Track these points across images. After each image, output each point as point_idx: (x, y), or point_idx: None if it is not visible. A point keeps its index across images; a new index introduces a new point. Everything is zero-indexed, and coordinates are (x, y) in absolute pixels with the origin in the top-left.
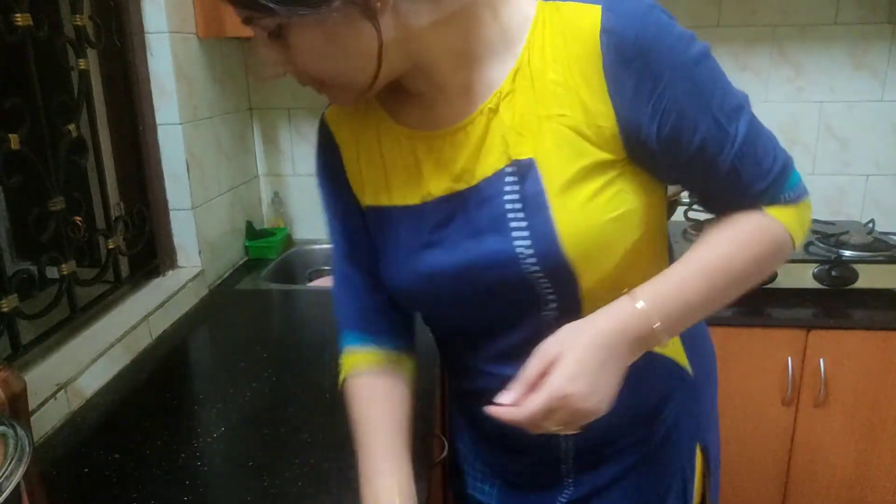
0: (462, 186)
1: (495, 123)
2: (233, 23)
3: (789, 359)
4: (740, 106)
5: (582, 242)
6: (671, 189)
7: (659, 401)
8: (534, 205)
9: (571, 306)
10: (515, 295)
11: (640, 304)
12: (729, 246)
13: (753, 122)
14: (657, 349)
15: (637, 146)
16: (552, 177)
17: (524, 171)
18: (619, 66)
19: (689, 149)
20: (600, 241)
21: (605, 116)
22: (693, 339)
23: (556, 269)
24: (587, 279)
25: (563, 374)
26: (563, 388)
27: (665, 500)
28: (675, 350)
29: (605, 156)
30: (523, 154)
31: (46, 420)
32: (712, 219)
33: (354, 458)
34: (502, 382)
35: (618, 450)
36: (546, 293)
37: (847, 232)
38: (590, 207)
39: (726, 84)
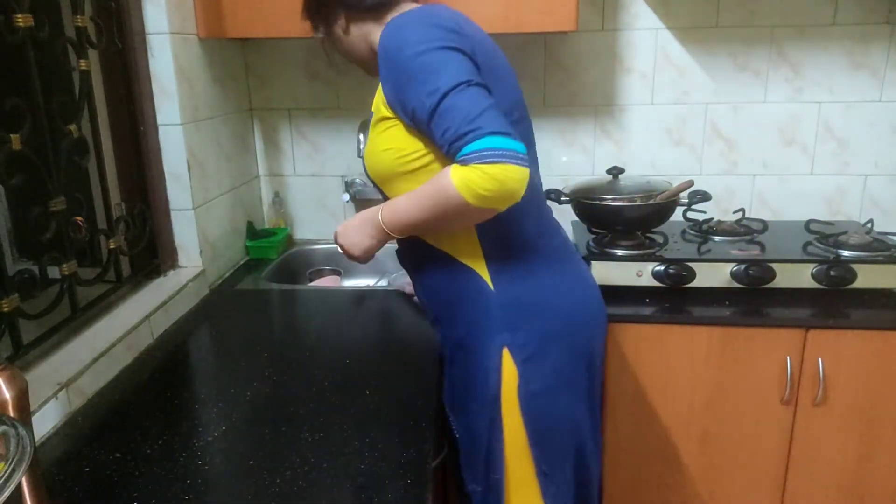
0: None
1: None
2: (233, 23)
3: (788, 358)
4: (437, 89)
5: (370, 163)
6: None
7: (458, 298)
8: (366, 139)
9: None
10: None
11: (380, 214)
12: (426, 185)
13: (446, 101)
14: (462, 259)
15: (397, 111)
16: (372, 123)
17: (368, 119)
18: (382, 65)
19: (409, 114)
20: (380, 165)
21: (381, 93)
22: (502, 266)
23: (371, 180)
24: (391, 191)
25: (340, 225)
26: (336, 231)
27: (473, 386)
28: (476, 264)
29: (386, 114)
30: (373, 108)
31: (48, 419)
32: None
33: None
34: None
35: (444, 332)
36: (381, 194)
37: (846, 232)
38: (375, 142)
39: (438, 73)
